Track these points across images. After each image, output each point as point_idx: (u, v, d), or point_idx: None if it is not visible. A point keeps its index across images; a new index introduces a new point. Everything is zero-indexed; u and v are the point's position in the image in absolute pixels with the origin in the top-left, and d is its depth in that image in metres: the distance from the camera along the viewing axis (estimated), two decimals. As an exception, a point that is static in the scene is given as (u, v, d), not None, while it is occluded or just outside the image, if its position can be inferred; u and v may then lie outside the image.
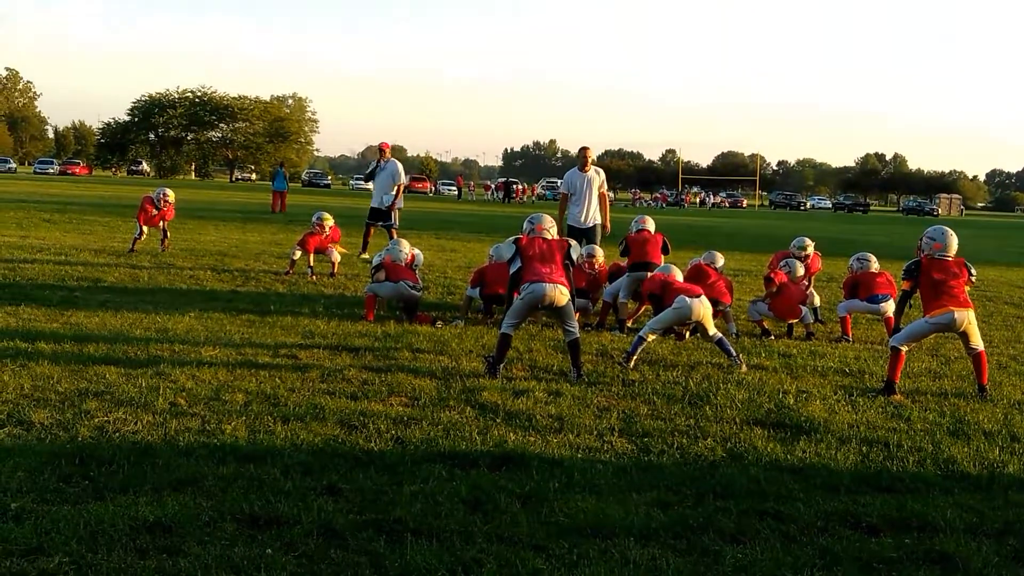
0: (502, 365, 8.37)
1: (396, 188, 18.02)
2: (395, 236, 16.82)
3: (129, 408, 6.67)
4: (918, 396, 8.25)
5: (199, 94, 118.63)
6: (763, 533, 4.91)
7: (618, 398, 7.71)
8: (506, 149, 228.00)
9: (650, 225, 11.91)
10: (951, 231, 8.67)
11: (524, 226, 9.15)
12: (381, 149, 18.57)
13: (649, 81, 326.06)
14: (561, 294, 8.39)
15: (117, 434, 6.10)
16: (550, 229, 9.05)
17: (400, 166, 18.47)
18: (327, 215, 14.91)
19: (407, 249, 11.78)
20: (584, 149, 13.60)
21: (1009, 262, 25.65)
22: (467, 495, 5.22)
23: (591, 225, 13.19)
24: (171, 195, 17.21)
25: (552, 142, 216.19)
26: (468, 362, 8.77)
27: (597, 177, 13.41)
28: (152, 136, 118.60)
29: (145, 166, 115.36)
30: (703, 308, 9.18)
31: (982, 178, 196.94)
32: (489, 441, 6.31)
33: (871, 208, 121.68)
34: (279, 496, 5.05)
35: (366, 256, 17.31)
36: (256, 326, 10.08)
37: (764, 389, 8.23)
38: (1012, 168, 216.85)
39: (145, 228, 17.15)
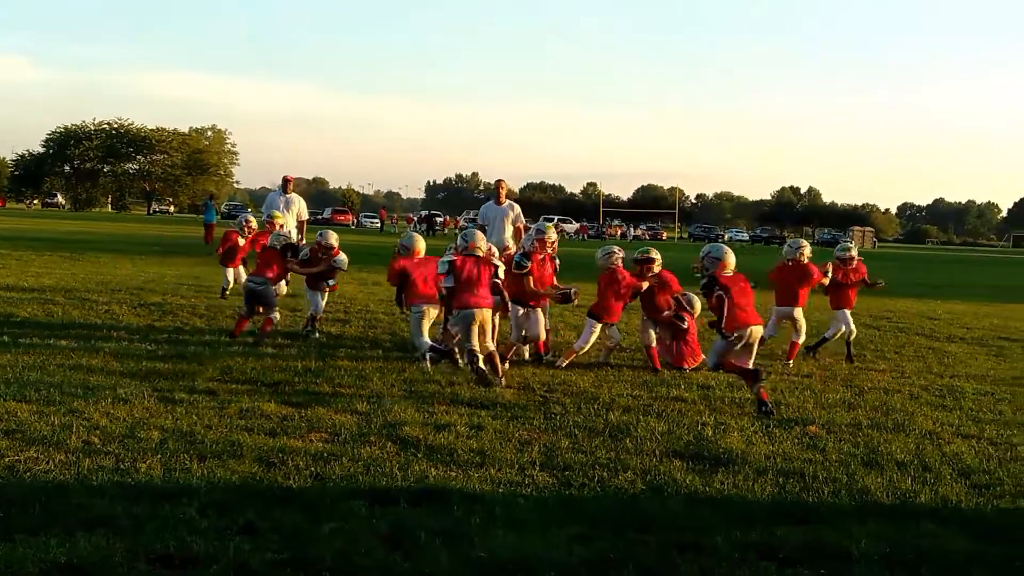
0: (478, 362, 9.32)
1: (301, 224, 17.85)
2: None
3: (41, 447, 6.51)
4: (833, 427, 8.40)
5: (116, 126, 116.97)
6: (682, 567, 4.95)
7: (540, 431, 7.72)
8: (429, 181, 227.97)
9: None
10: (728, 248, 9.36)
11: (458, 242, 9.90)
12: (285, 181, 18.15)
13: (571, 115, 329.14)
14: (487, 316, 9.54)
15: (28, 473, 5.95)
16: (481, 246, 9.83)
17: (303, 202, 18.30)
18: (252, 217, 14.62)
19: (288, 236, 12.69)
20: (499, 182, 14.28)
21: (920, 294, 26.25)
22: (387, 532, 5.18)
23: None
24: (253, 221, 16.11)
25: (475, 175, 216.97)
26: (390, 397, 8.72)
27: (511, 210, 13.93)
28: (67, 168, 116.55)
29: (60, 199, 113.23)
30: None
31: (894, 211, 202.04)
32: (410, 477, 6.28)
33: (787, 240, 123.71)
34: (194, 535, 4.95)
35: (284, 289, 17.19)
36: (173, 361, 9.92)
37: (683, 421, 8.31)
38: (922, 202, 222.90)
39: (231, 274, 16.08)
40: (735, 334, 8.95)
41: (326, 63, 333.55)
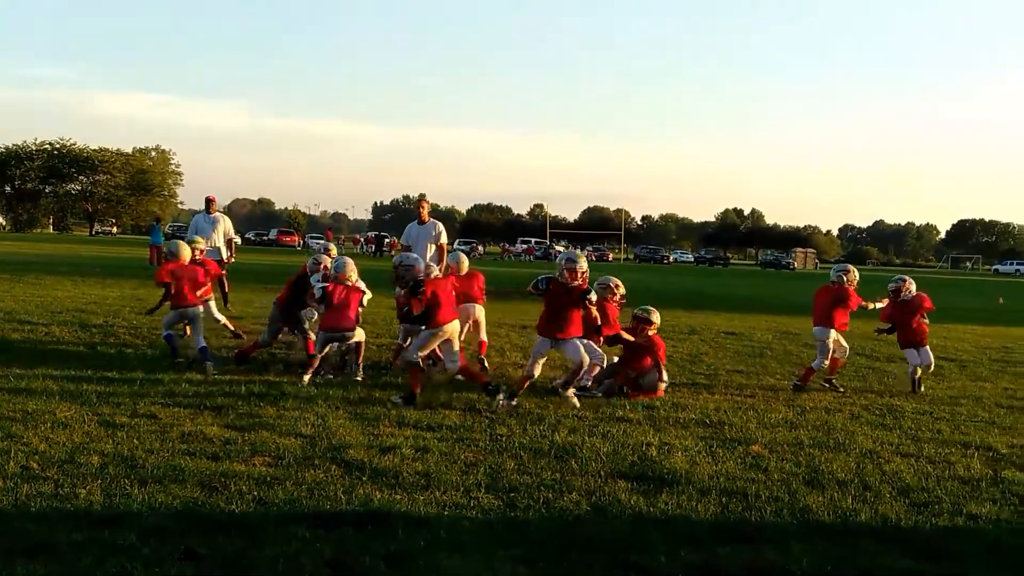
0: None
1: (229, 242, 17.98)
2: (226, 284, 17.61)
3: (-24, 473, 6.40)
4: (775, 446, 8.49)
5: (58, 146, 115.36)
6: (626, 586, 4.98)
7: (485, 453, 7.73)
8: (376, 202, 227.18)
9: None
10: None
11: (330, 272, 11.04)
12: (208, 201, 18.17)
13: (517, 137, 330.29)
14: (347, 336, 10.90)
15: (-37, 501, 5.85)
16: (351, 276, 10.89)
17: (229, 220, 18.35)
18: (199, 238, 14.17)
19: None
20: (420, 200, 14.50)
21: (862, 314, 26.58)
22: (331, 556, 5.16)
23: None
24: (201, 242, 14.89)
25: (422, 195, 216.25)
26: (335, 419, 8.67)
27: (434, 229, 13.99)
28: (8, 189, 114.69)
29: (0, 219, 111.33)
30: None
31: (835, 232, 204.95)
32: (354, 500, 6.26)
33: (731, 262, 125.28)
34: (135, 562, 4.90)
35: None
36: (115, 384, 9.79)
37: (629, 442, 8.36)
38: (863, 223, 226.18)
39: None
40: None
41: (273, 84, 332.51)
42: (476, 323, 12.33)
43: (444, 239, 14.12)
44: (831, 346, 11.87)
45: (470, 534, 5.70)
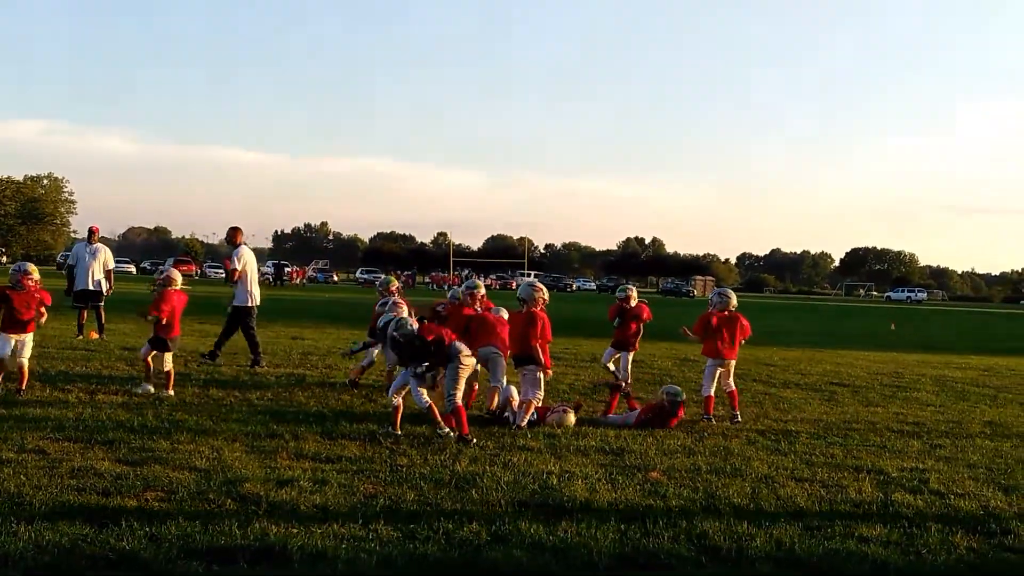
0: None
1: (108, 273, 18.37)
2: (103, 315, 18.20)
3: None
4: (674, 472, 8.59)
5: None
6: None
7: (385, 484, 7.66)
8: (277, 231, 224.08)
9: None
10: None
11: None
12: (91, 232, 18.60)
13: (419, 165, 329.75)
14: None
15: None
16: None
17: (109, 251, 18.69)
18: (32, 266, 12.91)
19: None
20: (233, 231, 16.00)
21: (758, 341, 27.08)
22: (225, 592, 5.05)
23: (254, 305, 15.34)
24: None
25: (324, 224, 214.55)
26: (231, 452, 8.51)
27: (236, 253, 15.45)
28: None
29: None
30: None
31: (733, 261, 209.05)
32: (250, 534, 6.13)
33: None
34: (19, 604, 4.73)
35: (95, 336, 17.80)
36: (0, 419, 9.47)
37: (530, 471, 8.37)
38: (760, 252, 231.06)
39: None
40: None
41: (171, 110, 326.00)
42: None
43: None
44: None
45: (369, 567, 5.64)
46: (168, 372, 11.68)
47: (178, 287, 12.01)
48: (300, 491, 7.26)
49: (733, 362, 11.99)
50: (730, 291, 12.56)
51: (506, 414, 10.74)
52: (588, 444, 9.68)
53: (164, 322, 11.58)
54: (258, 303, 15.72)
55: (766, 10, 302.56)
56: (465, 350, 9.83)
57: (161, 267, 14.20)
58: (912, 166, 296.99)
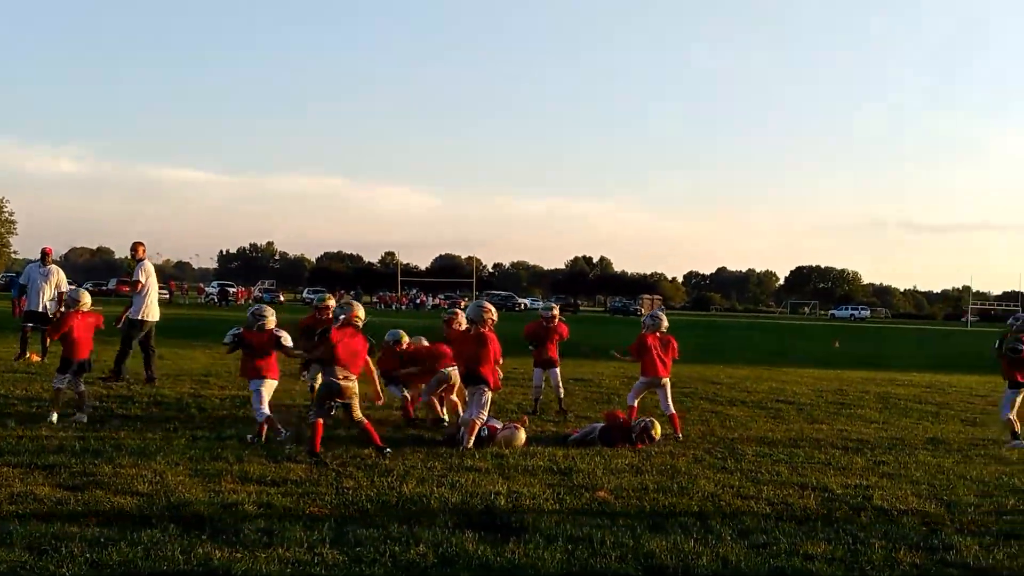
0: None
1: (60, 295, 17.79)
2: (48, 339, 17.44)
3: None
4: (621, 492, 8.60)
5: None
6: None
7: (331, 507, 7.59)
8: (222, 251, 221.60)
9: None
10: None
11: (248, 319, 10.87)
12: (44, 253, 18.51)
13: (367, 185, 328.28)
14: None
15: None
16: (268, 318, 10.88)
17: (62, 273, 18.58)
18: None
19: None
20: (136, 246, 15.57)
21: (705, 359, 27.32)
22: (167, 620, 4.97)
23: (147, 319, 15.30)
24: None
25: (270, 244, 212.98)
26: (174, 476, 8.39)
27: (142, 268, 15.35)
28: None
29: None
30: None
31: (680, 279, 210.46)
32: (193, 560, 6.05)
33: (581, 308, 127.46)
34: (-47, 635, 4.62)
35: (37, 359, 17.57)
36: (-64, 445, 9.27)
37: (477, 491, 8.34)
38: (707, 271, 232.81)
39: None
40: None
41: (113, 128, 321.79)
42: (452, 386, 12.19)
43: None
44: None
45: (314, 591, 5.57)
46: (81, 393, 11.44)
47: (86, 309, 11.60)
48: (244, 515, 7.18)
49: (667, 380, 12.30)
50: (662, 314, 13.09)
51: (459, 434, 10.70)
52: (536, 464, 9.68)
53: (57, 341, 11.28)
54: (156, 319, 15.78)
55: (712, 37, 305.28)
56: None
57: (71, 289, 14.07)
58: (855, 186, 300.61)
